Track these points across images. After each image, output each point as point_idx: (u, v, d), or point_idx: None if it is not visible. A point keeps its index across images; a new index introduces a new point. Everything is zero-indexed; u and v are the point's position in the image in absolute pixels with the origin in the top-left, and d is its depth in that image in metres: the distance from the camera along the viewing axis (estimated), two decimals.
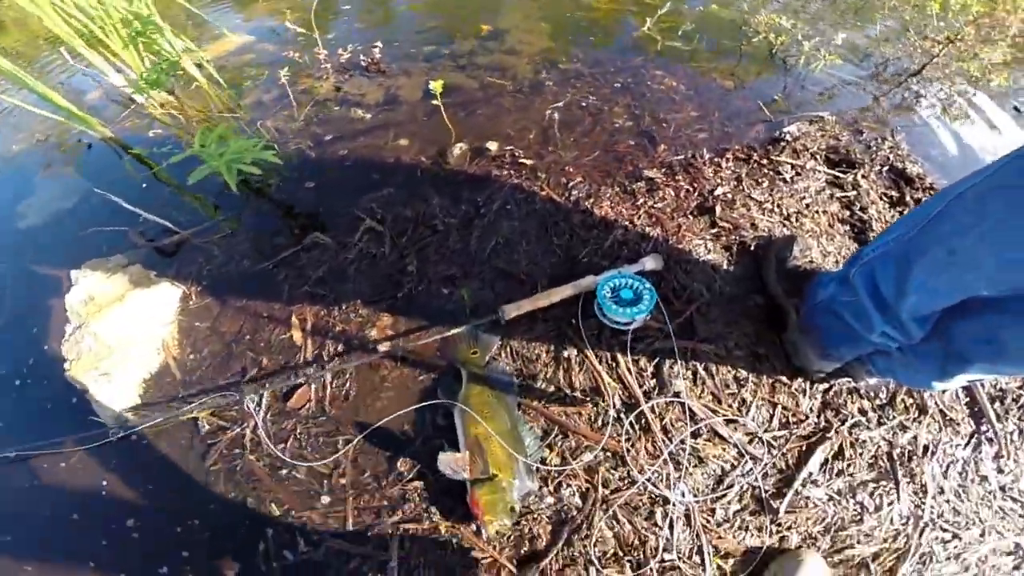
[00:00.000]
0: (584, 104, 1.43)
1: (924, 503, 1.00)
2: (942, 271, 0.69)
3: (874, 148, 1.42)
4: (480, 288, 1.06)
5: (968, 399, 1.09)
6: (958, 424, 1.06)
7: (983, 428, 1.07)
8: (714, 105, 1.48)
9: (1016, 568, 1.04)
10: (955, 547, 1.00)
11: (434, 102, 1.30)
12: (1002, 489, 1.04)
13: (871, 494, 0.99)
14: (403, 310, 1.07)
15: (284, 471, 0.92)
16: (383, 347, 1.01)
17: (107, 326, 1.01)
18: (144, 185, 1.35)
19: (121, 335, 1.01)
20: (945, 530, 1.00)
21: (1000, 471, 1.05)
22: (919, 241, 0.71)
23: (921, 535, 0.99)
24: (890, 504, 0.99)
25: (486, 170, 1.25)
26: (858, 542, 0.96)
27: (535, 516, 0.88)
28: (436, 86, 1.19)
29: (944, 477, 1.03)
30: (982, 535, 1.01)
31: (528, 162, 1.26)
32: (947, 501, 1.02)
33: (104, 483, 0.92)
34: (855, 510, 0.97)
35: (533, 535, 0.87)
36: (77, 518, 0.90)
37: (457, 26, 1.80)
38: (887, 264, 0.77)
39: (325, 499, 0.89)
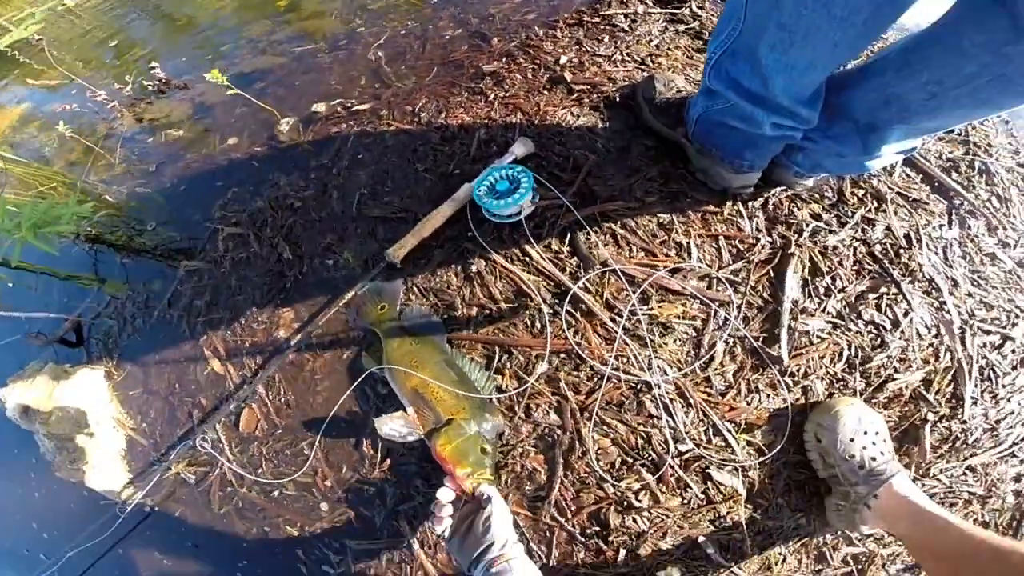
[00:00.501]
0: (406, 32, 1.32)
1: (945, 303, 0.90)
2: (789, 46, 0.66)
3: None
4: (363, 243, 0.97)
5: (920, 176, 1.03)
6: (926, 203, 0.99)
7: (956, 201, 1.00)
8: None
9: None
10: (1015, 351, 0.90)
11: (239, 93, 1.16)
12: (1021, 264, 0.96)
13: (878, 307, 0.89)
14: (298, 298, 0.97)
15: (276, 492, 0.88)
16: (295, 341, 0.92)
17: (56, 425, 1.00)
18: (11, 284, 1.18)
19: (74, 428, 1.00)
20: (988, 332, 0.90)
21: (1005, 244, 0.98)
22: (751, 30, 0.69)
23: (963, 344, 0.88)
24: (907, 314, 0.88)
25: (323, 132, 1.14)
26: (895, 371, 0.86)
27: (521, 451, 0.82)
28: (213, 75, 1.06)
29: (948, 266, 0.94)
30: None
31: (365, 107, 1.16)
32: (968, 295, 0.92)
33: (158, 554, 0.93)
34: (871, 332, 0.87)
35: (528, 471, 0.81)
36: None
37: (246, 15, 1.64)
38: (736, 60, 0.74)
39: (324, 506, 0.86)
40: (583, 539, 0.78)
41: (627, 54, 1.17)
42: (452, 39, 1.27)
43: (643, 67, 1.15)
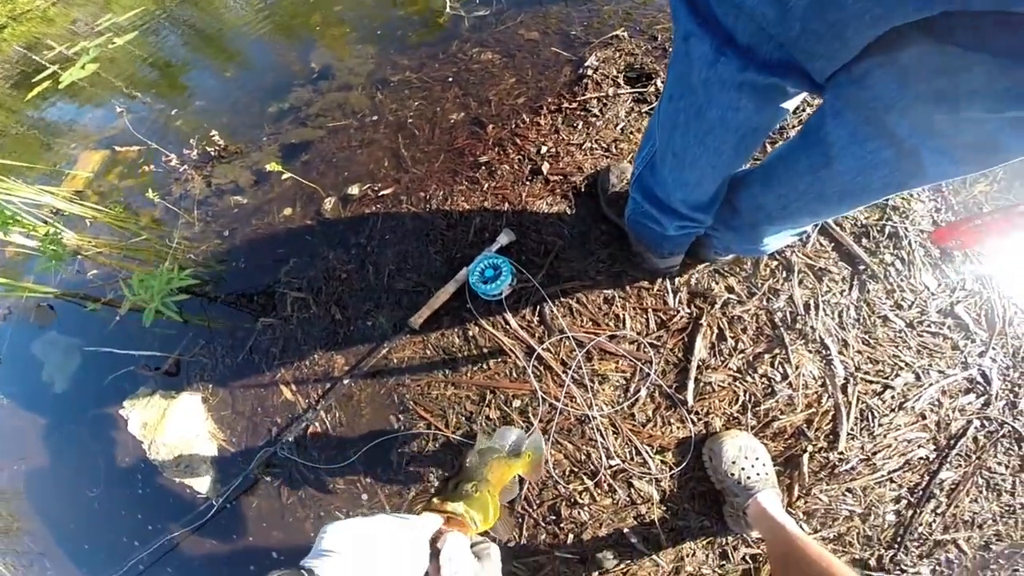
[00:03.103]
0: (420, 113, 1.62)
1: (832, 359, 1.07)
2: (681, 169, 0.80)
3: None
4: (392, 311, 1.33)
5: (832, 244, 1.18)
6: (831, 271, 1.15)
7: (860, 267, 1.14)
8: (528, 64, 1.67)
9: (986, 404, 1.06)
10: (893, 397, 1.05)
11: (288, 175, 1.50)
12: (911, 325, 1.10)
13: (772, 364, 1.08)
14: (347, 347, 1.34)
15: (330, 486, 1.24)
16: (346, 380, 1.30)
17: (167, 437, 1.35)
18: (117, 318, 1.52)
19: (180, 439, 1.35)
20: (871, 382, 1.05)
21: (899, 306, 1.11)
22: (661, 150, 0.82)
23: (845, 392, 1.04)
24: (796, 369, 1.06)
25: (358, 212, 1.48)
26: (781, 413, 1.05)
27: None
28: (273, 167, 1.39)
29: (841, 328, 1.09)
30: (918, 379, 1.07)
31: (388, 191, 1.48)
32: (858, 352, 1.07)
33: (245, 533, 1.28)
34: (763, 383, 1.07)
35: None
36: (254, 569, 1.26)
37: (284, 75, 1.92)
38: (654, 173, 0.89)
39: (364, 496, 1.20)
40: (544, 525, 1.09)
41: (595, 141, 1.45)
42: (455, 124, 1.56)
43: (608, 154, 1.43)
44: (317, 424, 1.30)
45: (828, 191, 0.71)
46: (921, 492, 1.04)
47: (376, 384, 1.29)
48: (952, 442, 1.05)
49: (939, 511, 1.04)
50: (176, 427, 1.36)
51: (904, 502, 1.04)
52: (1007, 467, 1.06)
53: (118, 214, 1.74)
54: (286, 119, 1.77)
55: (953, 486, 1.05)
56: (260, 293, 1.47)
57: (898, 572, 1.04)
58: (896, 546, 1.04)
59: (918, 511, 1.03)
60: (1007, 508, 1.05)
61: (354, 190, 1.51)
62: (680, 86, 0.67)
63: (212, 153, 1.77)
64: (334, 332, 1.35)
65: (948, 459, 1.04)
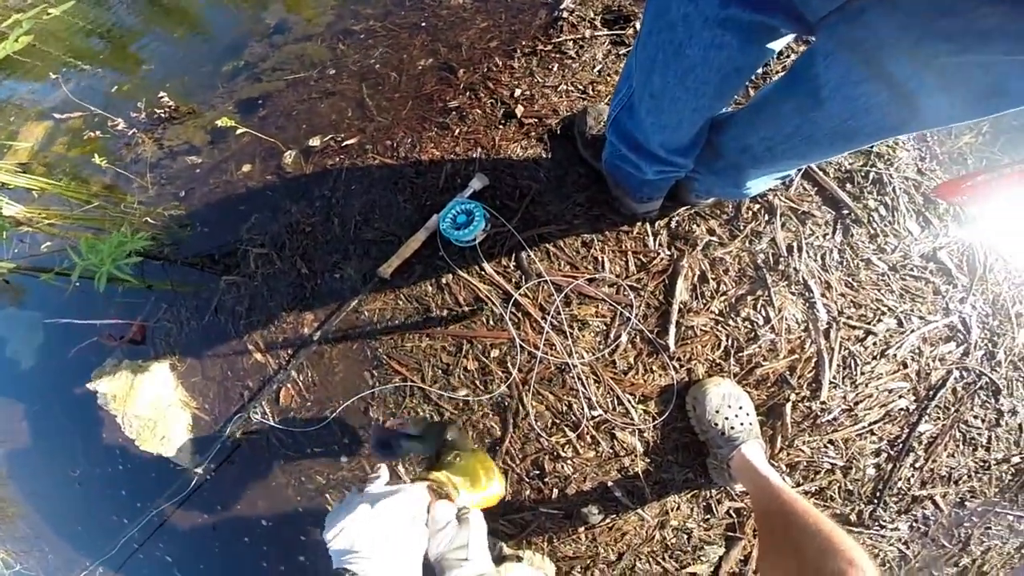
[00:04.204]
0: (385, 61, 1.53)
1: (815, 302, 1.04)
2: (660, 112, 0.77)
3: None
4: (360, 261, 1.25)
5: (816, 188, 1.15)
6: (814, 215, 1.12)
7: (844, 212, 1.12)
8: (501, 7, 1.58)
9: (965, 354, 1.04)
10: (875, 344, 1.03)
11: (243, 130, 1.40)
12: (894, 269, 1.08)
13: (754, 307, 1.05)
14: (315, 304, 1.27)
15: (308, 450, 1.19)
16: (316, 336, 1.23)
17: (139, 408, 1.28)
18: (78, 284, 1.39)
19: (152, 410, 1.29)
20: (854, 327, 1.02)
21: (882, 250, 1.09)
22: (638, 91, 0.78)
23: (827, 337, 1.02)
24: (779, 312, 1.03)
25: (321, 164, 1.39)
26: (764, 359, 1.02)
27: (481, 413, 1.11)
28: (225, 122, 1.30)
29: (824, 270, 1.07)
30: (900, 325, 1.04)
31: (353, 141, 1.40)
32: (841, 295, 1.04)
33: (231, 504, 1.26)
34: (746, 327, 1.03)
35: (487, 428, 1.11)
36: (247, 540, 1.24)
37: (238, 33, 1.80)
38: (631, 115, 0.85)
39: (344, 458, 1.18)
40: (528, 480, 1.07)
41: (572, 83, 1.37)
42: (424, 70, 1.47)
43: (584, 96, 1.36)
44: (289, 385, 1.24)
45: (817, 134, 0.69)
46: (901, 445, 1.03)
47: (348, 340, 1.22)
48: (932, 393, 1.05)
49: (917, 465, 1.03)
50: (146, 398, 1.29)
51: (884, 455, 1.03)
52: (983, 420, 1.05)
53: (67, 184, 1.63)
54: (241, 76, 1.66)
55: (931, 439, 1.04)
56: (222, 252, 1.38)
57: (878, 528, 1.03)
58: (875, 501, 1.03)
59: (897, 465, 1.02)
60: (982, 464, 1.05)
61: (315, 142, 1.41)
62: (658, 21, 0.63)
63: (162, 115, 1.66)
64: (301, 287, 1.28)
65: (927, 411, 1.04)
